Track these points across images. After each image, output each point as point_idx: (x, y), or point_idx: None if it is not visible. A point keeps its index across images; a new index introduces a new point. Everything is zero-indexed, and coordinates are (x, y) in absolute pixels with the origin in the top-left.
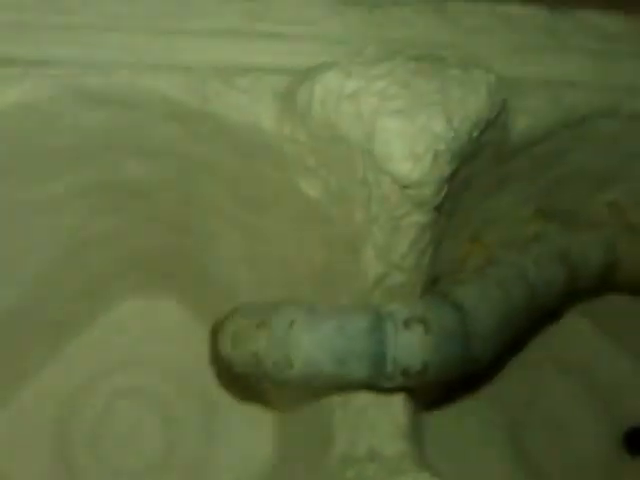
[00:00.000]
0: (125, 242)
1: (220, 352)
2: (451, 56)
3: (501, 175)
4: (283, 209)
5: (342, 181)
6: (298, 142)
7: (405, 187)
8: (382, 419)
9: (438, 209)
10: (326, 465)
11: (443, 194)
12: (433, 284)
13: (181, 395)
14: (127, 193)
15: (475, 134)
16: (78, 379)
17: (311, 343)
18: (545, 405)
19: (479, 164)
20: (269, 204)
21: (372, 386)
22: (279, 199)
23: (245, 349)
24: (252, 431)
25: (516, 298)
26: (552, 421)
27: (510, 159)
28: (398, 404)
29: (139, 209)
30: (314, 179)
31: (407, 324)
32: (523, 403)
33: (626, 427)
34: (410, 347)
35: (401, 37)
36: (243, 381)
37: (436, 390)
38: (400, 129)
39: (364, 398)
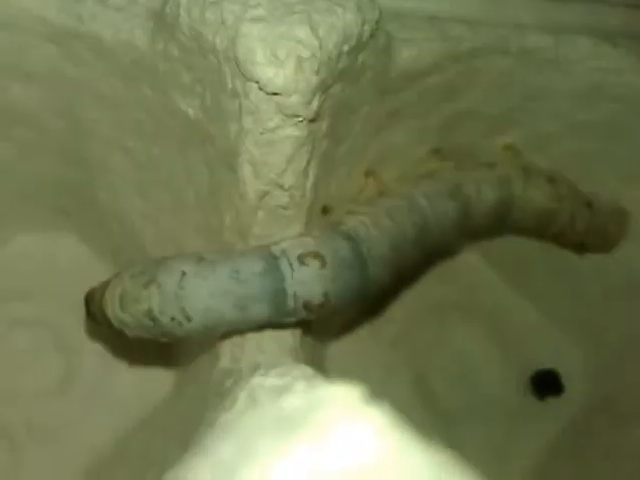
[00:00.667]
0: (15, 173)
1: (108, 316)
2: None
3: (391, 108)
4: (166, 132)
5: (216, 95)
6: (172, 58)
7: (272, 94)
8: (271, 343)
9: (313, 124)
10: (211, 379)
11: (315, 106)
12: (325, 213)
13: (79, 326)
14: (13, 120)
15: (345, 48)
16: None
17: (207, 292)
18: (450, 349)
19: (362, 89)
20: (153, 129)
21: (275, 324)
22: (161, 122)
23: (136, 309)
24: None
25: (406, 227)
26: (457, 364)
27: (397, 92)
28: (290, 333)
29: (27, 138)
30: (191, 97)
31: (302, 260)
32: (428, 346)
33: (532, 371)
34: (309, 282)
35: None
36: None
37: (332, 324)
38: (262, 34)
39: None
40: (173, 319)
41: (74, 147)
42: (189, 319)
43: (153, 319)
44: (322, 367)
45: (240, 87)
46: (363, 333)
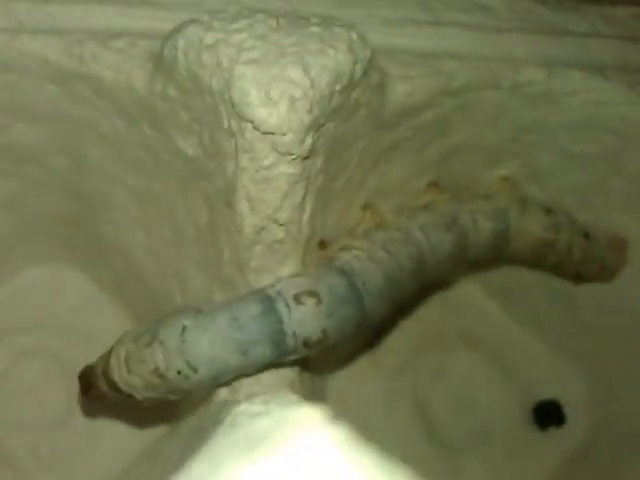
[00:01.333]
0: (22, 209)
1: (116, 382)
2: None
3: (387, 144)
4: (166, 170)
5: (213, 134)
6: (170, 99)
7: (266, 133)
8: (269, 376)
9: (307, 161)
10: (208, 410)
11: (309, 144)
12: (322, 248)
13: (83, 356)
14: (18, 158)
15: (338, 87)
16: None
17: (208, 342)
18: (452, 379)
19: (357, 126)
20: (153, 166)
21: (278, 364)
22: (161, 160)
23: (143, 369)
24: None
25: (402, 259)
26: (459, 394)
27: (393, 127)
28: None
29: (32, 175)
30: (189, 136)
31: (297, 299)
32: (429, 376)
33: (534, 401)
34: (306, 320)
35: (265, 5)
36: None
37: (330, 357)
38: (256, 76)
39: None
40: (179, 373)
41: (78, 183)
42: (195, 370)
43: (160, 376)
44: (323, 398)
45: (236, 126)
46: (364, 363)
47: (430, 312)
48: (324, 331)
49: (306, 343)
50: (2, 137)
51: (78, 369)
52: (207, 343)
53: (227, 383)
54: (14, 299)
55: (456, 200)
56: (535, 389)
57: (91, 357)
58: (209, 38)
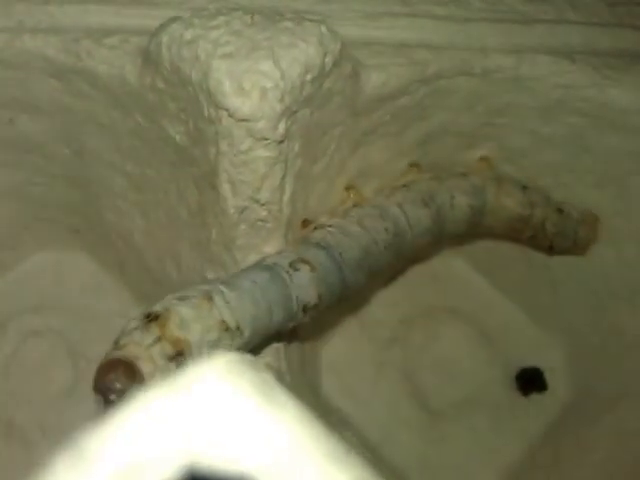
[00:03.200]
0: (28, 197)
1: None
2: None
3: (365, 129)
4: (160, 156)
5: (196, 122)
6: (159, 90)
7: (241, 121)
8: None
9: (282, 145)
10: None
11: (282, 129)
12: (305, 226)
13: (88, 334)
14: (23, 149)
15: (309, 77)
16: None
17: (249, 302)
18: (439, 349)
19: (333, 112)
20: (148, 153)
21: (279, 331)
22: (155, 148)
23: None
24: None
25: (378, 233)
26: (445, 364)
27: (370, 113)
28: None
29: (36, 164)
30: (177, 124)
31: (294, 266)
32: (417, 347)
33: (517, 369)
34: (305, 285)
35: (247, 3)
36: None
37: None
38: (230, 69)
39: None
40: (233, 333)
41: (80, 172)
42: (242, 333)
43: (226, 329)
44: (315, 368)
45: (214, 115)
46: (355, 335)
47: (418, 287)
48: (320, 296)
49: (305, 308)
50: (7, 130)
51: (81, 346)
52: (248, 304)
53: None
54: (22, 283)
55: (435, 179)
56: (518, 358)
57: (96, 335)
58: (189, 34)
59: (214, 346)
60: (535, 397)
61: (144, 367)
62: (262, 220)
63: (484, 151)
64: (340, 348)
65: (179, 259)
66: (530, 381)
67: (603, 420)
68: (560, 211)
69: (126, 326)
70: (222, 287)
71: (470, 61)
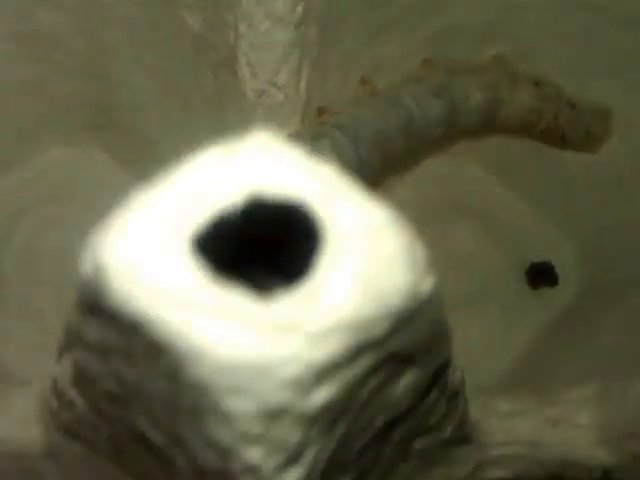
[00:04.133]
0: (46, 92)
1: None
2: None
3: (380, 21)
4: (178, 47)
5: (216, 8)
6: None
7: (260, 1)
8: None
9: (300, 28)
10: None
11: (300, 12)
12: (321, 114)
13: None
14: (42, 43)
15: None
16: (7, 210)
17: None
18: (450, 245)
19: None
20: (166, 45)
21: None
22: (173, 38)
23: None
24: None
25: (390, 118)
26: (456, 259)
27: (383, 6)
28: None
29: (56, 59)
30: (196, 12)
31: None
32: (429, 244)
33: (527, 264)
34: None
35: None
36: None
37: None
38: None
39: None
40: None
41: (99, 67)
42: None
43: None
44: None
45: None
46: None
47: (430, 187)
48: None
49: None
50: (25, 24)
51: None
52: None
53: None
54: (39, 176)
55: (449, 73)
56: (530, 254)
57: None
58: None
59: None
60: (546, 290)
61: None
62: (279, 104)
63: (497, 49)
64: None
65: (194, 149)
66: (540, 275)
67: (614, 309)
68: (572, 105)
69: None
70: None
71: None
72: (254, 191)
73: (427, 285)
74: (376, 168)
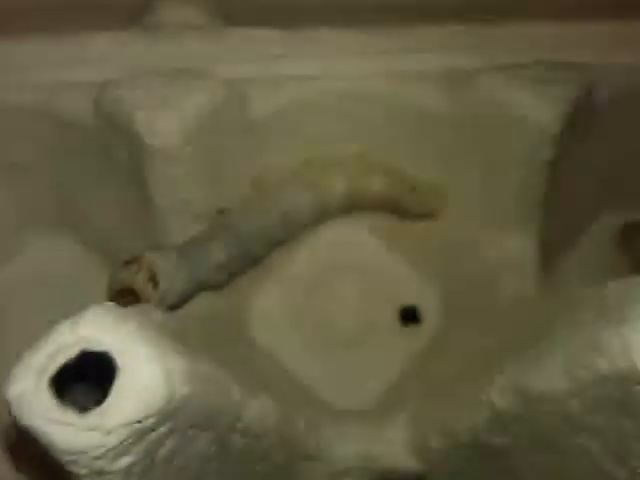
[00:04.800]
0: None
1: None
2: None
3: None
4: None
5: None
6: None
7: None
8: None
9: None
10: None
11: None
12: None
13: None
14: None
15: None
16: None
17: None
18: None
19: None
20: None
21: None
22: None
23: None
24: None
25: (271, 214)
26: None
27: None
28: None
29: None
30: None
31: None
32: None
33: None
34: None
35: None
36: None
37: None
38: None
39: None
40: None
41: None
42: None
43: None
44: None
45: None
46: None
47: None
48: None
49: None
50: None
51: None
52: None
53: None
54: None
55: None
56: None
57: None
58: None
59: None
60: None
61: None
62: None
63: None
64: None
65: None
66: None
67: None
68: (413, 188)
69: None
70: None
71: None
72: (84, 347)
73: (183, 391)
74: (262, 254)
